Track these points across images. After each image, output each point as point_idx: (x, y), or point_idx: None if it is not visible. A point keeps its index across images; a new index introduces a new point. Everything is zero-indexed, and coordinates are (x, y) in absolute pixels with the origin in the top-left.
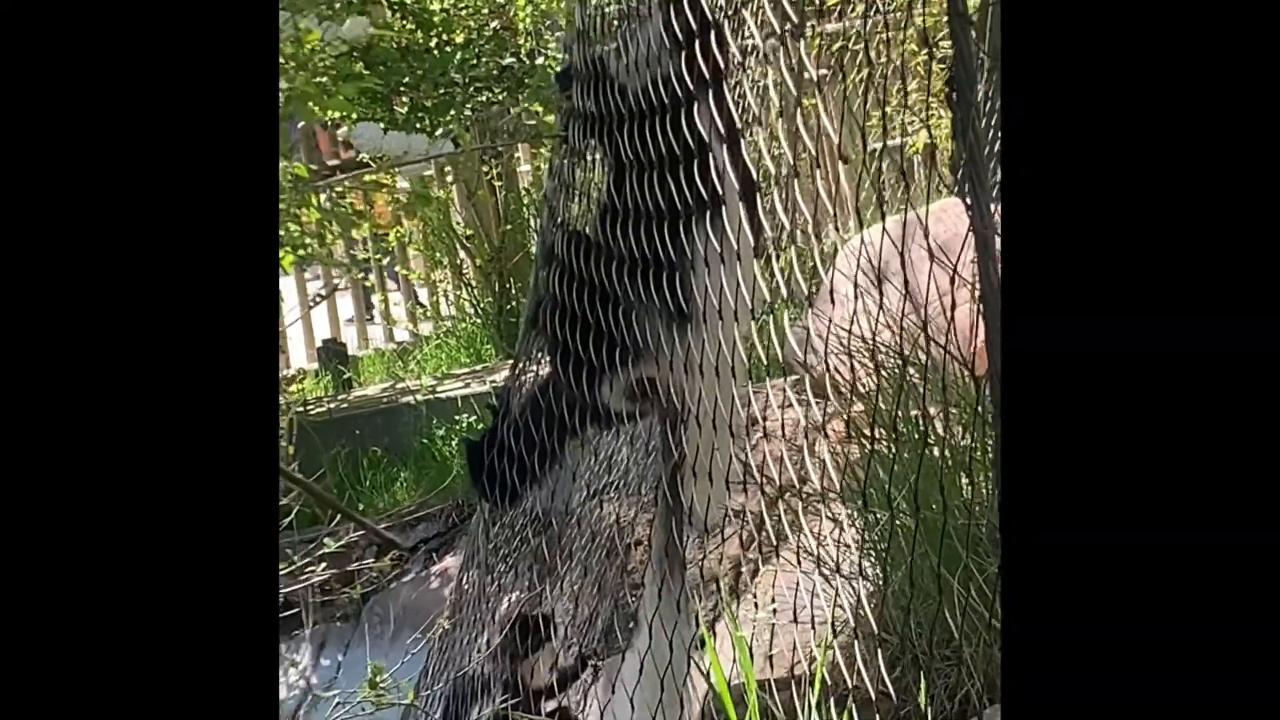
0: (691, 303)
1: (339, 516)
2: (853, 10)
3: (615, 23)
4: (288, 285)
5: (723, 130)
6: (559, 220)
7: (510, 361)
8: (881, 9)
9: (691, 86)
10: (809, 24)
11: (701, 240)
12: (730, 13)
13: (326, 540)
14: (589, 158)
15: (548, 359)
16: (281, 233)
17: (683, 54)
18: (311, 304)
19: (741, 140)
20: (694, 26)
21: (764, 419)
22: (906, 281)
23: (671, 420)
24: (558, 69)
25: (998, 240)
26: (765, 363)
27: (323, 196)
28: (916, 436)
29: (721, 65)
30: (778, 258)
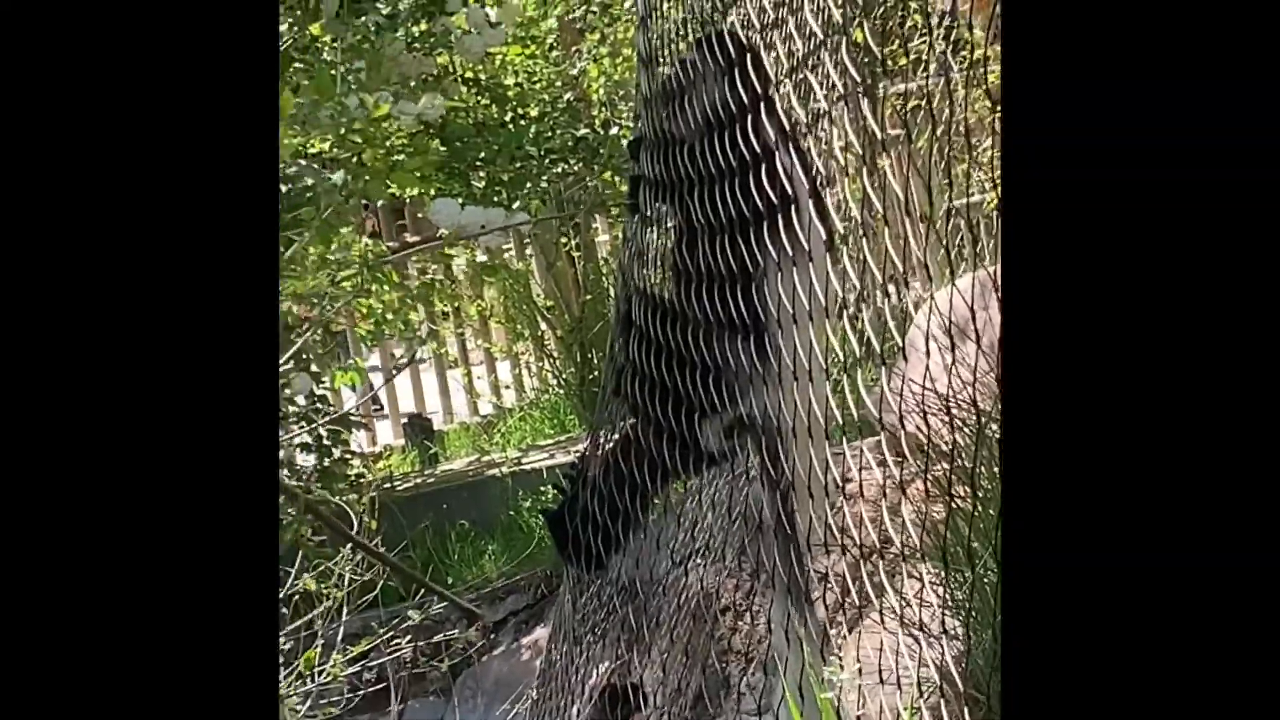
0: (777, 359)
1: (424, 591)
2: (923, 70)
3: (679, 86)
4: (371, 360)
5: (792, 189)
6: (633, 286)
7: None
8: (952, 68)
9: (758, 148)
10: (880, 84)
11: (785, 296)
12: (795, 73)
13: (411, 614)
14: (660, 224)
15: (628, 424)
16: (363, 309)
17: (748, 116)
18: (390, 374)
19: (821, 193)
20: (758, 87)
21: (845, 480)
22: (980, 338)
23: (770, 450)
24: (629, 138)
25: None
26: (842, 422)
27: (402, 272)
28: (999, 494)
29: (787, 124)
30: (856, 316)
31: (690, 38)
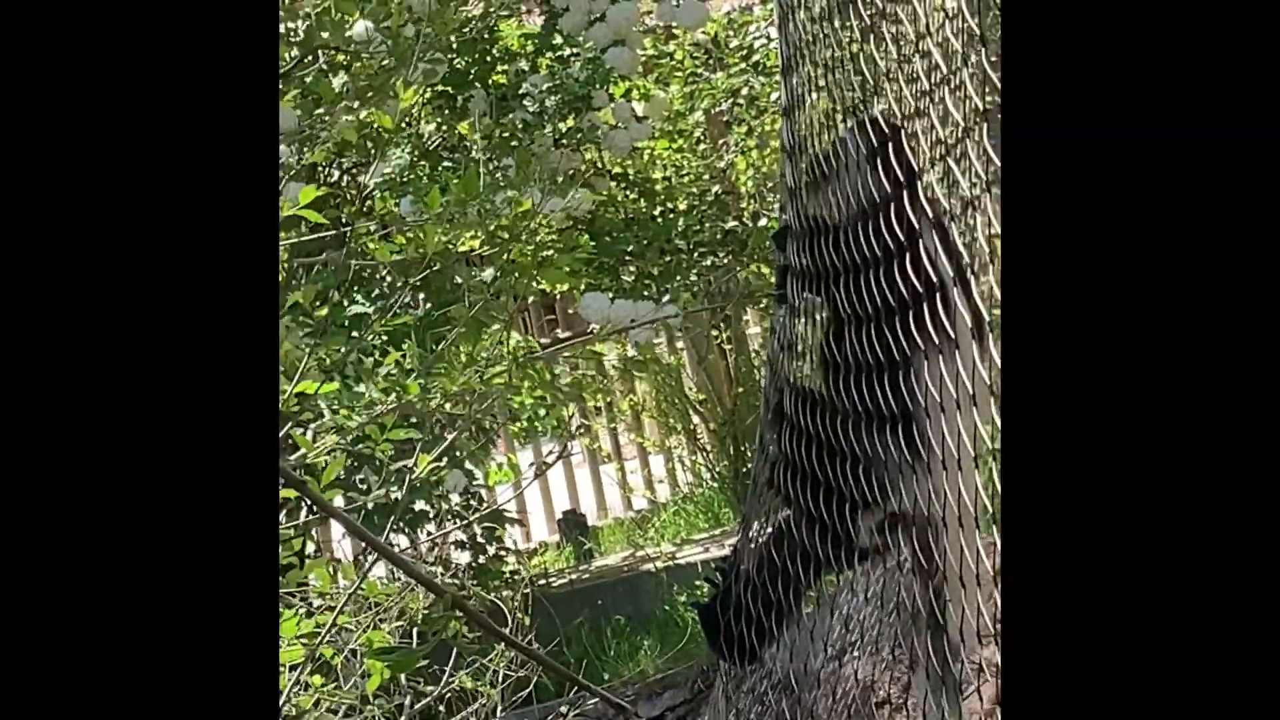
0: (928, 449)
1: (579, 688)
2: None
3: (826, 173)
4: (524, 457)
5: (939, 276)
6: (782, 378)
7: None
8: None
9: (905, 234)
10: None
11: (934, 384)
12: (940, 161)
13: (565, 710)
14: (809, 314)
15: (781, 516)
16: (514, 404)
17: (895, 201)
18: (540, 469)
19: (970, 280)
20: (905, 172)
21: (998, 572)
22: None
23: (922, 541)
24: (775, 229)
25: None
26: (993, 512)
27: (554, 368)
28: None
29: (934, 210)
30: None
31: (836, 127)
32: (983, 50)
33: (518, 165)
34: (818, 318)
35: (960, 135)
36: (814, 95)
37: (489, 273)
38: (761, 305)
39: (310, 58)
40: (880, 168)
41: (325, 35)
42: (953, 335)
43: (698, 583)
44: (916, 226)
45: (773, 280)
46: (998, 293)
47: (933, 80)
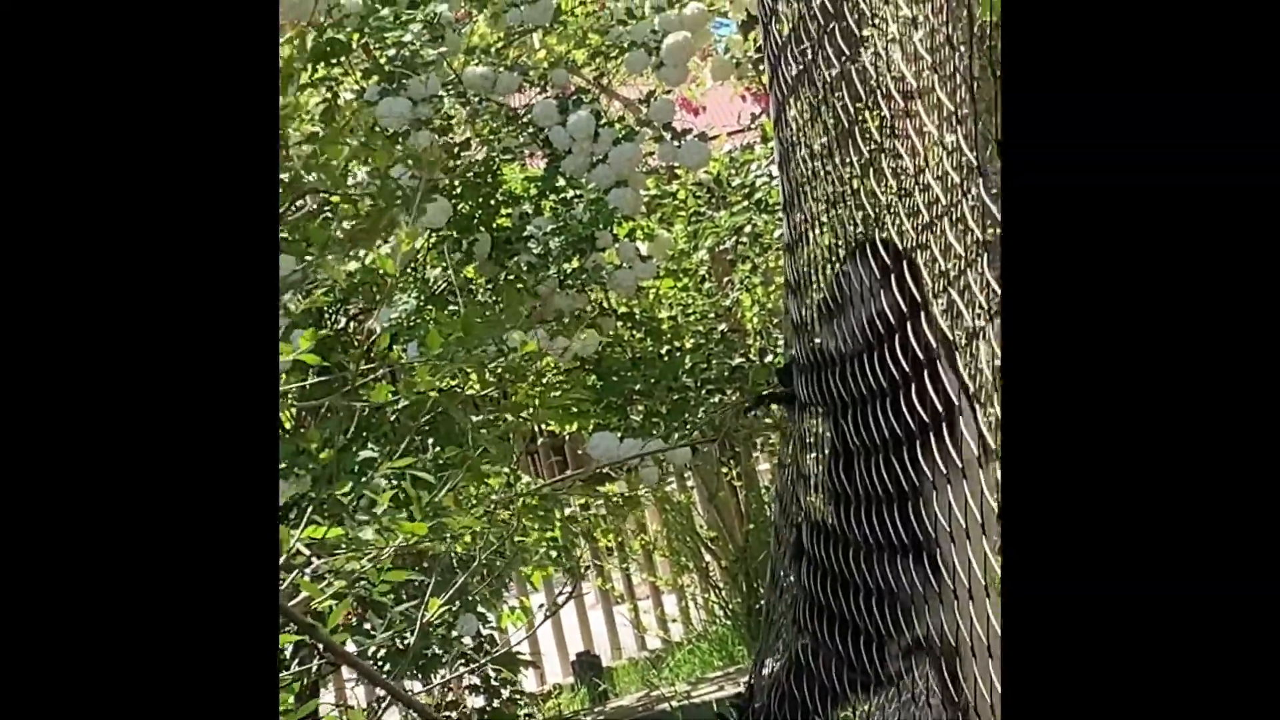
0: (937, 580)
1: None
2: None
3: (836, 301)
4: (537, 599)
5: (951, 402)
6: (793, 512)
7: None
8: None
9: (918, 359)
10: None
11: (944, 512)
12: (944, 293)
13: None
14: (821, 449)
15: (797, 646)
16: (525, 547)
17: (908, 324)
18: (551, 610)
19: (976, 408)
20: (904, 307)
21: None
22: None
23: (950, 672)
24: (778, 365)
25: None
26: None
27: (564, 508)
28: None
29: (940, 337)
30: None
31: (839, 261)
32: (981, 183)
33: (507, 305)
34: (827, 451)
35: (962, 267)
36: (816, 231)
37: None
38: (771, 441)
39: (300, 201)
40: (888, 291)
41: (312, 178)
42: (960, 463)
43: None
44: (928, 351)
45: (781, 416)
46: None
47: (933, 213)
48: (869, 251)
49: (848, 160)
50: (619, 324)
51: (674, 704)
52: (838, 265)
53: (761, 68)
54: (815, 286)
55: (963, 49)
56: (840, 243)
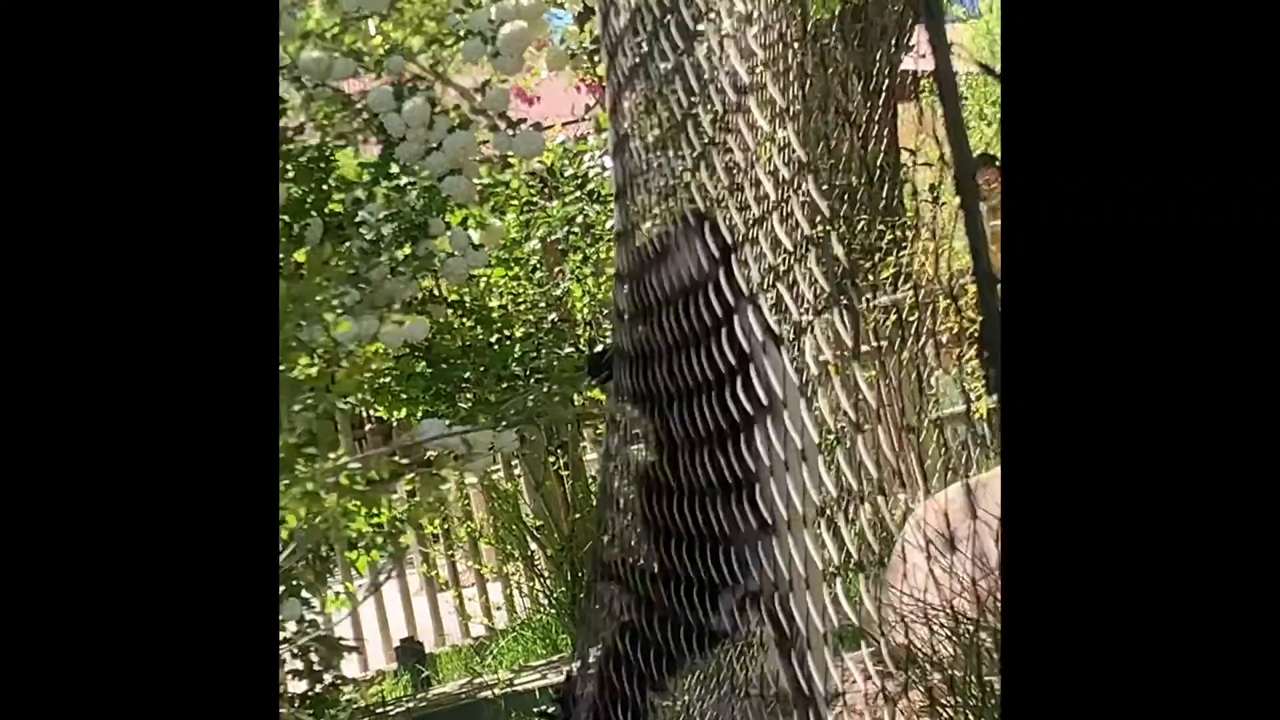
0: (765, 518)
1: None
2: (904, 282)
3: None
4: (362, 586)
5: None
6: (615, 500)
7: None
8: (928, 279)
9: (746, 348)
10: (864, 297)
11: (765, 450)
12: (769, 286)
13: None
14: (645, 439)
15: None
16: (352, 532)
17: (734, 315)
18: (369, 591)
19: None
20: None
21: (843, 691)
22: (969, 546)
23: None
24: (590, 356)
25: None
26: (828, 632)
27: (390, 495)
28: (992, 704)
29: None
30: (848, 525)
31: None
32: (810, 179)
33: (315, 287)
34: (652, 442)
35: (790, 262)
36: (647, 223)
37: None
38: (599, 431)
39: None
40: (704, 239)
41: None
42: (796, 449)
43: (535, 710)
44: (759, 340)
45: (609, 406)
46: (828, 417)
47: (763, 208)
48: (709, 228)
49: (680, 153)
50: (449, 311)
51: (497, 692)
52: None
53: (597, 59)
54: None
55: (796, 45)
56: (663, 227)
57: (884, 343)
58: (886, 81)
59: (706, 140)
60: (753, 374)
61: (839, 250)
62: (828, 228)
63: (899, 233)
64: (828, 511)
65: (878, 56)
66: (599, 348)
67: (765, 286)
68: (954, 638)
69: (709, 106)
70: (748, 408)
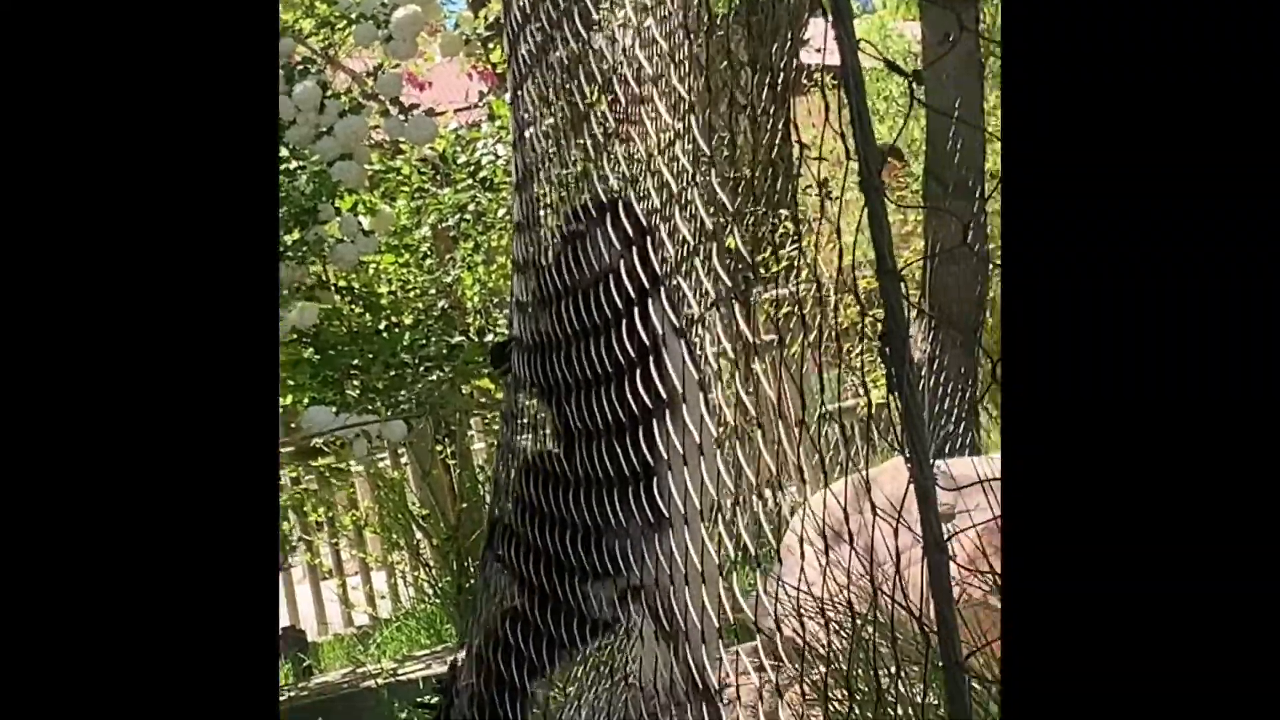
0: (660, 509)
1: None
2: (796, 276)
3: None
4: None
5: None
6: (507, 490)
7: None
8: (823, 273)
9: (645, 337)
10: (754, 290)
11: (663, 444)
12: (669, 280)
13: None
14: (539, 428)
15: (515, 603)
16: None
17: (622, 257)
18: None
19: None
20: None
21: (724, 685)
22: (855, 540)
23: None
24: (492, 345)
25: (941, 492)
26: (720, 626)
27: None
28: (875, 697)
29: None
30: (733, 520)
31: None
32: (711, 171)
33: None
34: (549, 431)
35: (689, 253)
36: (545, 213)
37: None
38: (487, 421)
39: None
40: (617, 223)
41: None
42: (693, 445)
43: (419, 700)
44: (646, 286)
45: (498, 396)
46: (724, 410)
47: (663, 198)
48: (620, 212)
49: (580, 143)
50: (338, 298)
51: (380, 681)
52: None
53: (491, 45)
54: (541, 265)
55: (694, 37)
56: (562, 221)
57: (776, 336)
58: (783, 75)
59: (607, 131)
60: (652, 368)
61: (739, 243)
62: (727, 221)
63: (793, 226)
64: (720, 506)
65: (774, 50)
66: (489, 338)
67: (666, 278)
68: (842, 631)
69: (610, 97)
70: (647, 401)
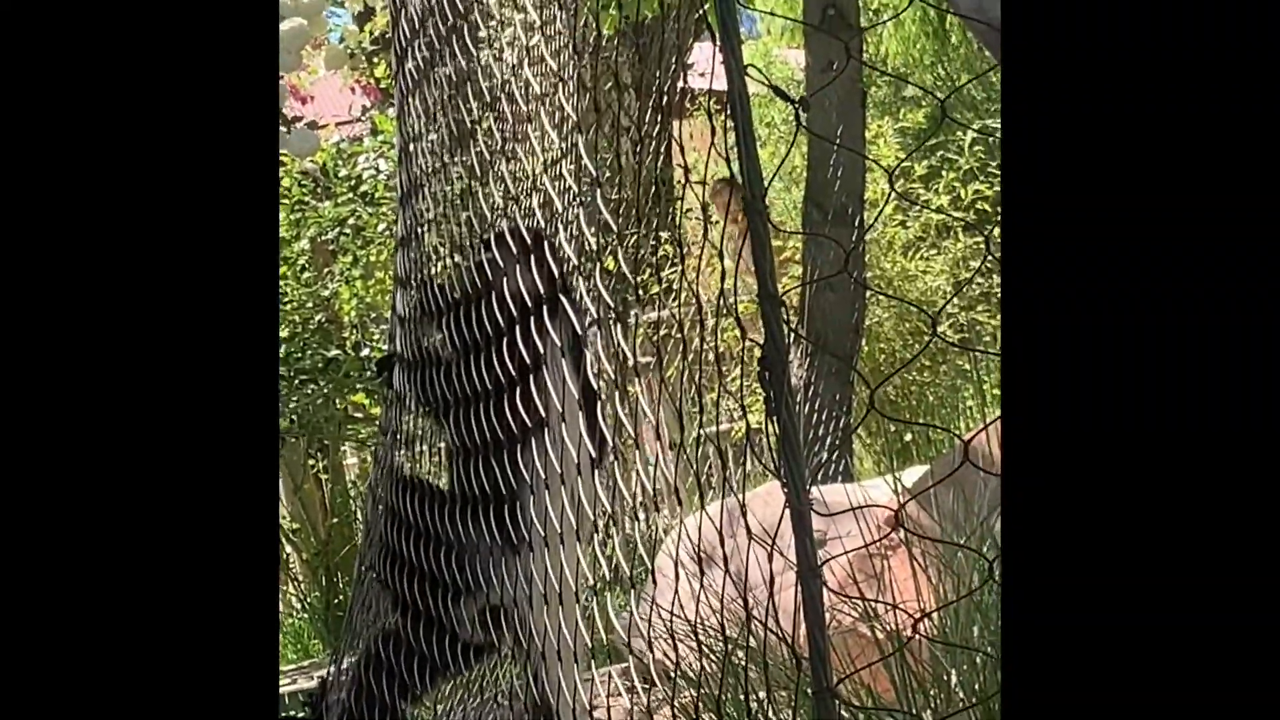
0: (523, 531)
1: None
2: (674, 299)
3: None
4: None
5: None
6: (388, 476)
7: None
8: (700, 296)
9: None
10: (632, 311)
11: (537, 462)
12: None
13: None
14: (416, 442)
15: (390, 621)
16: None
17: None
18: None
19: (584, 354)
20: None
21: (593, 707)
22: (727, 562)
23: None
24: (377, 358)
25: (815, 518)
26: (593, 648)
27: None
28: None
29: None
30: (605, 543)
31: (448, 259)
32: (597, 191)
33: None
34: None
35: (574, 273)
36: (427, 228)
37: None
38: (361, 436)
39: None
40: (526, 272)
41: None
42: (561, 408)
43: (287, 715)
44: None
45: (373, 411)
46: (605, 429)
47: (548, 216)
48: (506, 236)
49: (466, 160)
50: None
51: None
52: (476, 254)
53: (375, 60)
54: (424, 281)
55: (581, 58)
56: (452, 242)
57: (652, 358)
58: (666, 98)
59: (493, 148)
60: (532, 386)
61: (622, 264)
62: (609, 241)
63: (671, 248)
64: (597, 527)
65: (659, 72)
66: (366, 352)
67: (549, 297)
68: (713, 655)
69: (496, 115)
70: (526, 419)
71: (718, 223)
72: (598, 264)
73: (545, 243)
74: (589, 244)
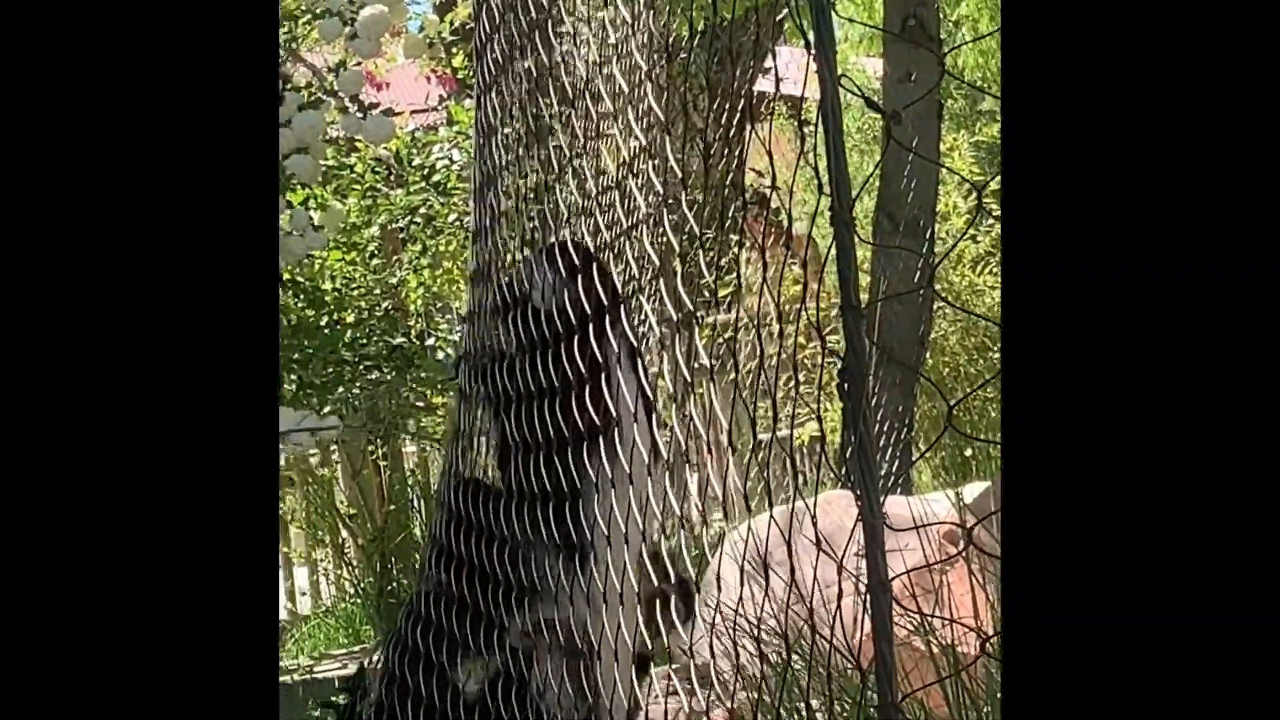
0: (585, 535)
1: None
2: (744, 301)
3: (516, 296)
4: None
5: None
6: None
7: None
8: (774, 300)
9: (584, 368)
10: (699, 313)
11: (595, 468)
12: (626, 301)
13: None
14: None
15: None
16: None
17: (576, 336)
18: None
19: (640, 361)
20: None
21: (648, 706)
22: (793, 570)
23: (575, 655)
24: (453, 355)
25: (887, 531)
26: (639, 650)
27: None
28: None
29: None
30: (664, 544)
31: (525, 250)
32: (684, 194)
33: None
34: (493, 441)
35: (655, 274)
36: (502, 223)
37: None
38: (422, 423)
39: None
40: (573, 291)
41: None
42: (624, 468)
43: (333, 698)
44: (604, 353)
45: (435, 401)
46: (678, 429)
47: (632, 219)
48: (556, 252)
49: (543, 153)
50: (283, 291)
51: (296, 677)
52: (519, 261)
53: (453, 50)
54: (498, 277)
55: (659, 58)
56: (523, 238)
57: (720, 362)
58: (742, 102)
59: (575, 147)
60: (603, 389)
61: (703, 267)
62: (688, 245)
63: (745, 253)
64: (649, 531)
65: (735, 75)
66: (430, 341)
67: (626, 298)
68: (769, 661)
69: (579, 114)
70: (595, 420)
71: (788, 227)
72: (679, 266)
73: (595, 263)
74: (673, 245)
